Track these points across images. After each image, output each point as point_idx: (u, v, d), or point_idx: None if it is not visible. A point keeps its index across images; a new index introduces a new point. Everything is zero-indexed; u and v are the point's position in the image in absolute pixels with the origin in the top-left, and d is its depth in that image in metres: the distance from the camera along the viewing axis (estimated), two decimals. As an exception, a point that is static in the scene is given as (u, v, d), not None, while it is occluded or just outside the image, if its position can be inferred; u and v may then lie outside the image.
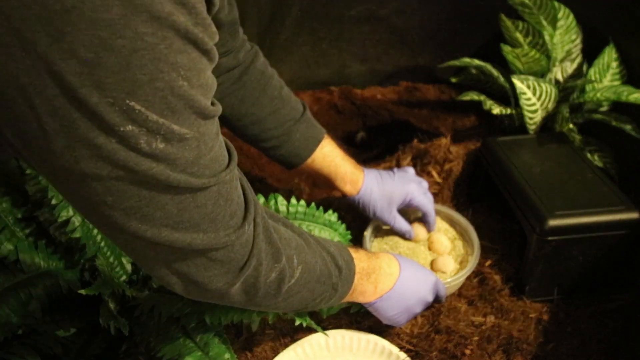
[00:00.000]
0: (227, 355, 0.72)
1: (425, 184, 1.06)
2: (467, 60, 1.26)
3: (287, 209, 0.91)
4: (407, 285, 0.82)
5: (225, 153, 0.56)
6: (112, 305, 0.80)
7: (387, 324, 0.86)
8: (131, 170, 0.45)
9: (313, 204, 0.92)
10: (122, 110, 0.42)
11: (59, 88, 0.40)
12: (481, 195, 1.18)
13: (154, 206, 0.48)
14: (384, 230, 1.10)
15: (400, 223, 1.02)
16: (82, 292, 0.71)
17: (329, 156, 0.96)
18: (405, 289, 0.82)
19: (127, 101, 0.42)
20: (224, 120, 0.91)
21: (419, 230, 1.07)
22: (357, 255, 0.76)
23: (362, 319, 0.91)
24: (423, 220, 1.05)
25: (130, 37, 0.40)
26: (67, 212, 0.82)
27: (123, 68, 0.41)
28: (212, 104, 0.50)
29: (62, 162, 0.44)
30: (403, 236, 1.05)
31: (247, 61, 0.90)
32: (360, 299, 0.79)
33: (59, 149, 0.43)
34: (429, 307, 0.94)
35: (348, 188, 0.97)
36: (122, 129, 0.43)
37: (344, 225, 0.96)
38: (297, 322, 0.77)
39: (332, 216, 0.94)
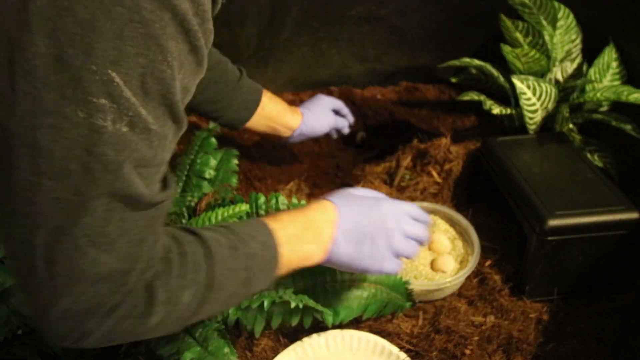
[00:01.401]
0: (226, 350, 0.72)
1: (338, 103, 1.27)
2: (467, 60, 1.26)
3: (288, 208, 0.91)
4: (353, 220, 0.71)
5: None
6: None
7: (362, 272, 0.76)
8: (86, 149, 0.44)
9: (313, 204, 0.92)
10: (102, 81, 0.42)
11: (45, 46, 0.40)
12: (481, 195, 1.18)
13: (84, 209, 0.45)
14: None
15: (341, 121, 1.26)
16: None
17: (269, 114, 1.13)
18: (352, 225, 0.71)
19: (109, 71, 0.42)
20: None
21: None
22: (280, 224, 0.67)
23: (362, 319, 0.91)
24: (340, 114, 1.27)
25: (129, 7, 0.41)
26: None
27: (115, 36, 0.41)
28: (181, 120, 0.50)
29: (18, 127, 0.43)
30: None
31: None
32: (308, 263, 0.70)
33: (20, 112, 0.42)
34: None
35: (289, 133, 1.17)
36: (95, 100, 0.42)
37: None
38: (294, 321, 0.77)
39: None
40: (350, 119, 1.30)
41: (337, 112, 1.28)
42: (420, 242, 0.77)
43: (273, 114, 1.14)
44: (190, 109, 1.02)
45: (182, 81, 0.48)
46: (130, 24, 0.41)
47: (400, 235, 0.74)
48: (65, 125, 0.43)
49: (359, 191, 0.76)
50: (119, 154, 0.45)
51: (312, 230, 0.69)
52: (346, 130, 1.31)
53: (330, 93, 1.54)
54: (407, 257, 0.76)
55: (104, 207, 0.46)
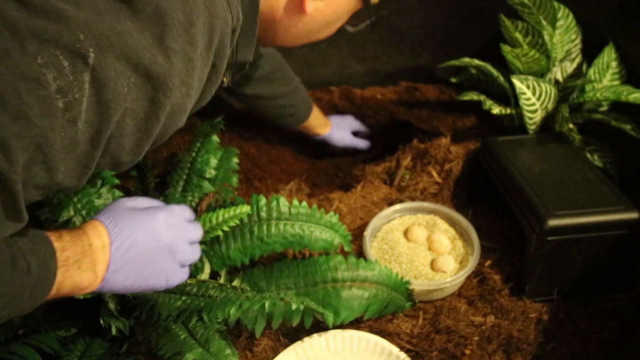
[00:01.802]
0: (227, 351, 0.73)
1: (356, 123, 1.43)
2: (466, 60, 1.26)
3: (289, 210, 0.91)
4: (128, 242, 0.64)
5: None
6: (112, 306, 0.80)
7: (149, 291, 0.72)
8: None
9: (315, 206, 0.93)
10: None
11: None
12: (481, 195, 1.18)
13: None
14: (384, 230, 1.10)
15: (357, 142, 1.39)
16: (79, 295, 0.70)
17: (312, 119, 1.32)
18: (127, 247, 0.64)
19: None
20: (257, 102, 1.24)
21: (419, 230, 1.07)
22: (61, 244, 0.60)
23: (362, 319, 0.91)
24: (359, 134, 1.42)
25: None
26: (68, 212, 0.82)
27: None
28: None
29: None
30: (363, 152, 1.41)
31: (270, 69, 1.20)
32: (79, 292, 0.62)
33: None
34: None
35: (320, 130, 1.36)
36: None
37: (344, 227, 0.96)
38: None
39: (333, 218, 0.94)
40: (364, 145, 1.42)
41: (355, 134, 1.43)
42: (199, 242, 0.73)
43: (311, 121, 1.32)
44: (260, 110, 1.27)
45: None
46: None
47: (182, 245, 0.69)
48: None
49: (132, 201, 0.69)
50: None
51: (90, 257, 0.61)
52: (364, 148, 1.43)
53: (330, 93, 1.54)
54: (193, 263, 0.72)
55: None
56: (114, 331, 0.79)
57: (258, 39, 0.72)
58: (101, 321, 0.79)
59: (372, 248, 1.06)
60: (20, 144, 0.46)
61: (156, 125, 0.55)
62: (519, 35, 1.24)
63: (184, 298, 0.81)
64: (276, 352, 0.87)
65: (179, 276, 0.70)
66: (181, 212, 0.71)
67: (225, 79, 0.82)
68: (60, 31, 0.46)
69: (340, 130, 1.38)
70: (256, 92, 1.20)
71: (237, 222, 0.86)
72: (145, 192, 0.97)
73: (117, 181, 0.98)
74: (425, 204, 1.13)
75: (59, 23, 0.46)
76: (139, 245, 0.65)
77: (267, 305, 0.74)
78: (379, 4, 0.79)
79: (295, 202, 0.92)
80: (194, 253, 0.71)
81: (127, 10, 0.49)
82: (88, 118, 0.49)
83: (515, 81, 1.11)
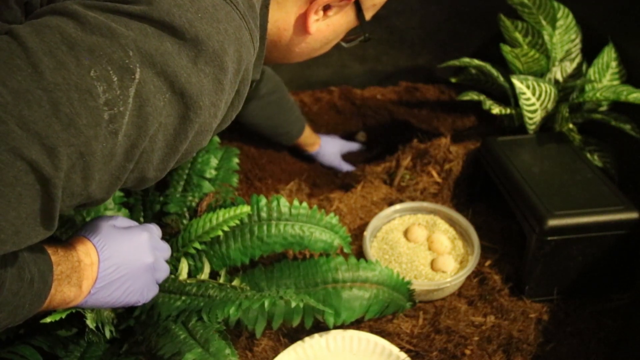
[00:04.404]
0: (227, 351, 0.72)
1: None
2: (466, 60, 1.26)
3: (290, 210, 0.91)
4: (114, 262, 0.68)
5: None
6: (106, 313, 0.80)
7: (124, 307, 0.74)
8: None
9: (315, 207, 0.93)
10: None
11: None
12: (481, 195, 1.18)
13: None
14: (384, 230, 1.10)
15: (342, 164, 1.42)
16: (46, 320, 0.69)
17: (303, 137, 1.37)
18: (114, 267, 0.68)
19: None
20: (253, 121, 1.28)
21: (419, 230, 1.07)
22: (57, 258, 0.63)
23: (362, 319, 0.91)
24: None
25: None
26: (68, 212, 0.82)
27: None
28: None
29: None
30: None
31: (268, 90, 1.25)
32: (64, 306, 0.66)
33: None
34: None
35: (309, 148, 1.42)
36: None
37: (344, 228, 0.96)
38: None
39: (333, 219, 0.94)
40: (349, 168, 1.43)
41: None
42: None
43: (301, 140, 1.37)
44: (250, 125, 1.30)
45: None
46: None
47: (161, 264, 0.75)
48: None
49: (113, 220, 0.72)
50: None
51: (78, 273, 0.64)
52: (349, 171, 1.44)
53: (330, 93, 1.54)
54: (164, 280, 0.78)
55: None
56: (107, 335, 0.79)
57: (264, 57, 0.76)
58: (89, 323, 0.78)
59: (372, 248, 1.06)
60: (67, 151, 0.48)
61: (184, 142, 0.57)
62: (518, 35, 1.24)
63: (183, 298, 0.81)
64: (276, 352, 0.87)
65: (153, 292, 0.75)
66: (157, 231, 0.76)
67: None
68: (112, 47, 0.50)
69: (327, 150, 1.43)
70: (253, 111, 1.25)
71: (237, 222, 0.86)
72: (145, 192, 0.97)
73: (117, 181, 0.98)
74: (425, 204, 1.13)
75: (111, 40, 0.50)
76: (125, 264, 0.69)
77: (266, 304, 0.74)
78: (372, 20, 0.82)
79: (296, 202, 0.92)
80: (167, 271, 0.77)
81: (169, 35, 0.53)
82: (128, 131, 0.51)
83: (515, 81, 1.11)
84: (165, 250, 0.76)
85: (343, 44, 0.89)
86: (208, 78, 0.56)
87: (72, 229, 0.86)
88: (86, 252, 0.67)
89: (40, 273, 0.58)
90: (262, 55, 0.74)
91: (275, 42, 0.77)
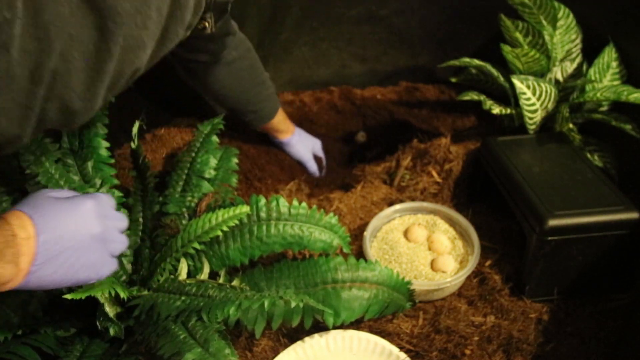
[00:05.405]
0: (227, 351, 0.72)
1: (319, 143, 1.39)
2: (467, 60, 1.26)
3: (289, 210, 0.91)
4: (55, 233, 0.59)
5: None
6: (109, 309, 0.80)
7: (78, 284, 0.66)
8: None
9: (314, 207, 0.93)
10: None
11: None
12: (481, 195, 1.18)
13: None
14: (384, 230, 1.10)
15: (312, 164, 1.35)
16: (68, 297, 0.68)
17: (276, 121, 1.27)
18: (55, 238, 0.59)
19: None
20: (212, 98, 1.20)
21: (419, 230, 1.07)
22: None
23: (362, 319, 0.91)
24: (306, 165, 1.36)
25: None
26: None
27: None
28: None
29: None
30: (315, 174, 1.36)
31: (239, 54, 1.11)
32: (1, 287, 0.58)
33: None
34: None
35: (281, 135, 1.31)
36: None
37: (343, 228, 0.96)
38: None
39: (332, 219, 0.94)
40: (314, 169, 1.37)
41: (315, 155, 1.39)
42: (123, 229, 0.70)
43: (274, 124, 1.27)
44: (221, 102, 1.21)
45: None
46: None
47: (114, 234, 0.66)
48: None
49: (55, 192, 0.64)
50: None
51: (13, 248, 0.56)
52: (314, 174, 1.38)
53: (330, 93, 1.54)
54: (122, 252, 0.69)
55: None
56: (111, 333, 0.79)
57: None
58: (97, 324, 0.78)
59: (372, 248, 1.06)
60: None
61: (108, 61, 0.49)
62: (519, 35, 1.24)
63: (183, 298, 0.81)
64: (276, 352, 0.87)
65: (109, 267, 0.66)
66: (108, 200, 0.67)
67: (207, 24, 0.77)
68: None
69: (300, 143, 1.34)
70: (223, 78, 1.13)
71: (237, 222, 0.86)
72: (144, 192, 0.97)
73: (116, 181, 0.98)
74: (425, 204, 1.12)
75: None
76: (69, 235, 0.60)
77: (266, 304, 0.74)
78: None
79: (295, 202, 0.92)
80: (124, 242, 0.68)
81: None
82: (25, 45, 0.42)
83: (515, 81, 1.10)
84: (119, 219, 0.67)
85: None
86: None
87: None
88: (21, 225, 0.58)
89: None
90: None
91: None
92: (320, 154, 1.39)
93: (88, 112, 0.52)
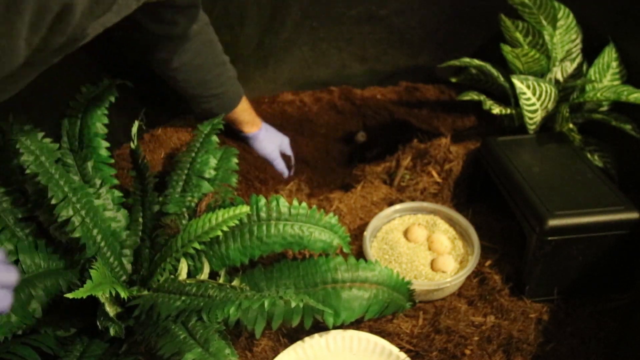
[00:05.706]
0: (227, 351, 0.72)
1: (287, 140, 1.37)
2: (467, 60, 1.26)
3: (289, 210, 0.91)
4: None
5: None
6: (109, 308, 0.80)
7: None
8: None
9: (314, 207, 0.93)
10: None
11: None
12: (481, 195, 1.18)
13: None
14: (384, 230, 1.10)
15: (278, 161, 1.31)
16: (68, 296, 0.68)
17: (240, 109, 1.22)
18: None
19: None
20: (174, 81, 1.12)
21: (419, 230, 1.07)
22: None
23: (362, 319, 0.91)
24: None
25: None
26: (67, 212, 0.82)
27: None
28: None
29: None
30: (282, 176, 1.32)
31: (198, 30, 1.07)
32: None
33: None
34: None
35: (246, 128, 1.28)
36: None
37: (343, 228, 0.96)
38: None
39: (332, 219, 0.94)
40: (281, 168, 1.34)
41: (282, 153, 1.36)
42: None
43: (238, 114, 1.23)
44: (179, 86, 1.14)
45: None
46: None
47: None
48: None
49: None
50: None
51: None
52: (283, 173, 1.35)
53: (330, 93, 1.54)
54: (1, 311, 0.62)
55: None
56: (112, 333, 0.79)
57: None
58: (98, 324, 0.78)
59: (372, 248, 1.06)
60: None
61: None
62: (519, 35, 1.24)
63: (183, 298, 0.81)
64: (276, 352, 0.87)
65: None
66: None
67: None
68: None
69: (267, 139, 1.30)
70: (184, 52, 1.07)
71: (237, 222, 0.86)
72: (144, 192, 0.97)
73: (116, 181, 0.98)
74: (425, 204, 1.12)
75: None
76: None
77: (266, 304, 0.74)
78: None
79: (295, 202, 0.92)
80: (4, 299, 0.60)
81: None
82: None
83: (515, 81, 1.10)
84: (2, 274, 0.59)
85: None
86: None
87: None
88: None
89: None
90: None
91: None
92: (289, 152, 1.36)
93: (6, 54, 0.45)
